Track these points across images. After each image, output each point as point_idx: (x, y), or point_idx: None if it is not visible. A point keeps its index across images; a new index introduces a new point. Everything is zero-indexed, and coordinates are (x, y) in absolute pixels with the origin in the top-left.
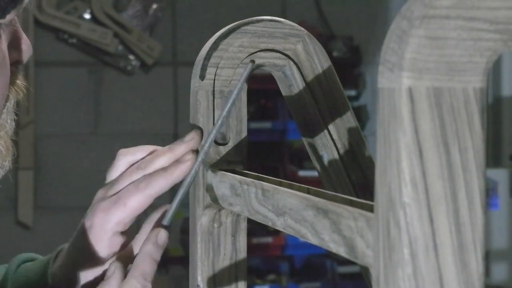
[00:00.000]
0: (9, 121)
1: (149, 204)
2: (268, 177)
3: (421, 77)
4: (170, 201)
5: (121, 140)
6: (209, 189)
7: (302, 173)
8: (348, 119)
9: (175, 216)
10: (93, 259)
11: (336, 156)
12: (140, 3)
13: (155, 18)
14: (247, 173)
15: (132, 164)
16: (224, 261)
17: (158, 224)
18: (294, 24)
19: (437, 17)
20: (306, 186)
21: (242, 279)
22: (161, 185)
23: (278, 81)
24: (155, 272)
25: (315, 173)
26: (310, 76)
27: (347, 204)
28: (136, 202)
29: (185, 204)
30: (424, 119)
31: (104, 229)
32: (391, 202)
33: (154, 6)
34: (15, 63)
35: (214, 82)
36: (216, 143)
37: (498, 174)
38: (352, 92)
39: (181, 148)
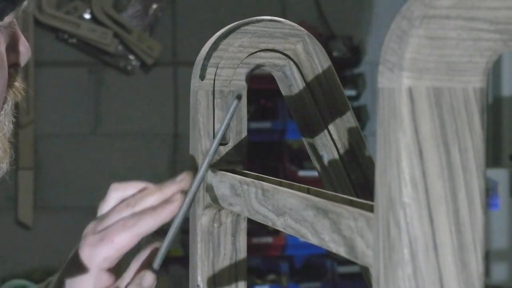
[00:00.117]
0: (6, 123)
1: (136, 242)
2: (268, 177)
3: (421, 77)
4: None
5: (121, 140)
6: (209, 189)
7: (302, 173)
8: (348, 119)
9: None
10: None
11: (336, 156)
12: (140, 3)
13: (155, 18)
14: (247, 173)
15: (123, 200)
16: (224, 261)
17: (146, 265)
18: (294, 24)
19: (437, 17)
20: (306, 186)
21: (242, 279)
22: (149, 224)
23: (278, 81)
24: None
25: (315, 173)
26: (310, 76)
27: (347, 204)
28: (123, 240)
29: None
30: (424, 119)
31: (91, 264)
32: (391, 202)
33: (154, 6)
34: (14, 66)
35: (214, 82)
36: None
37: (498, 174)
38: (352, 92)
39: (171, 188)
